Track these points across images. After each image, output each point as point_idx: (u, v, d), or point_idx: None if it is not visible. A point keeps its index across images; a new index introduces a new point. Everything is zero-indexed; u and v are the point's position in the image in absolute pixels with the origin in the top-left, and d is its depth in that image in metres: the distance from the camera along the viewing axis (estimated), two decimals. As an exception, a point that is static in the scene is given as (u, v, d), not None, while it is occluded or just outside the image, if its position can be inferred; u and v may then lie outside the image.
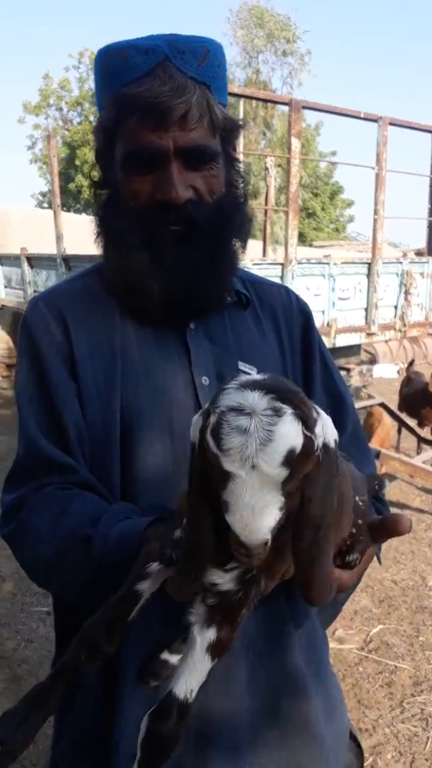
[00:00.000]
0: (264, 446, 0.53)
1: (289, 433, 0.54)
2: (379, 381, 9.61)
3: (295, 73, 24.68)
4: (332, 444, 0.60)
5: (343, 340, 5.56)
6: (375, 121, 5.33)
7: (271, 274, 4.89)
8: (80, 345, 0.99)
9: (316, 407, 0.60)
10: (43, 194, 27.97)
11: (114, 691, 0.92)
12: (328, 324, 5.36)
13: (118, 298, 1.02)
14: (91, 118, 27.20)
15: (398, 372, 10.53)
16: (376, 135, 5.39)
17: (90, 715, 0.96)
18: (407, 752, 2.44)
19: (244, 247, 1.06)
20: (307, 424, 0.56)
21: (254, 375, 0.61)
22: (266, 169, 7.45)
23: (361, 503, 0.78)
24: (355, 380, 6.18)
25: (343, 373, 6.10)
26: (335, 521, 0.70)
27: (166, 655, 0.84)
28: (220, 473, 0.55)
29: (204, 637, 0.65)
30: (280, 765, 0.95)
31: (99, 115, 1.02)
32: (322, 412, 0.61)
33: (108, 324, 1.01)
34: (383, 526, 0.84)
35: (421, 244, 8.03)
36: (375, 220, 5.62)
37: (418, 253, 7.51)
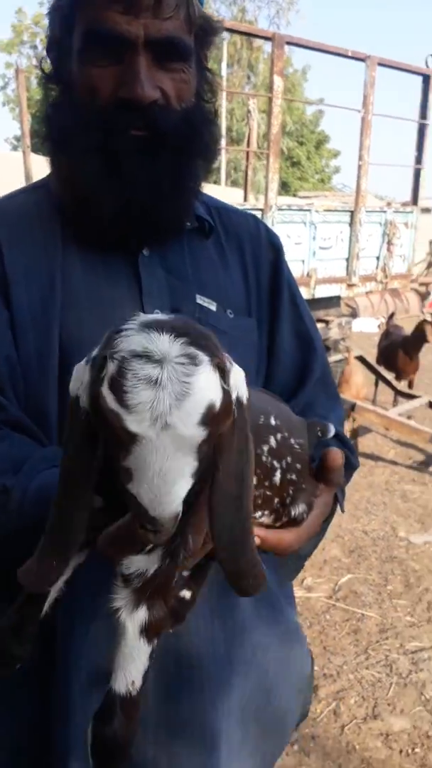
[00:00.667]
0: (180, 401, 0.44)
1: (208, 385, 0.45)
2: (359, 335, 9.56)
3: (282, 12, 23.74)
4: (245, 400, 0.50)
5: (322, 291, 5.46)
6: (363, 60, 5.10)
7: (251, 220, 4.74)
8: (15, 267, 0.87)
9: (227, 354, 0.50)
10: (18, 138, 26.96)
11: (54, 690, 0.83)
12: (308, 274, 5.24)
13: (65, 214, 0.90)
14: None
15: (378, 326, 10.48)
16: (363, 76, 5.17)
17: (28, 721, 0.87)
18: (370, 697, 2.48)
19: (209, 169, 0.96)
20: (224, 375, 0.47)
21: (159, 315, 0.51)
22: (249, 112, 7.16)
23: (297, 446, 0.69)
24: (334, 333, 6.09)
25: (321, 325, 6.02)
26: (264, 475, 0.63)
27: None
28: (122, 435, 0.45)
29: (134, 620, 0.57)
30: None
31: None
32: (231, 360, 0.51)
33: (49, 245, 0.89)
34: (320, 464, 0.77)
35: (408, 197, 7.88)
36: (359, 167, 5.45)
37: (404, 204, 7.35)
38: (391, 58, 5.47)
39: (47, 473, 0.75)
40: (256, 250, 1.04)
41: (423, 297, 13.38)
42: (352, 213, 5.55)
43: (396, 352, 6.18)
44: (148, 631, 0.57)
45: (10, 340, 0.86)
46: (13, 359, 0.85)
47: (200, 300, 0.94)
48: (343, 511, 0.94)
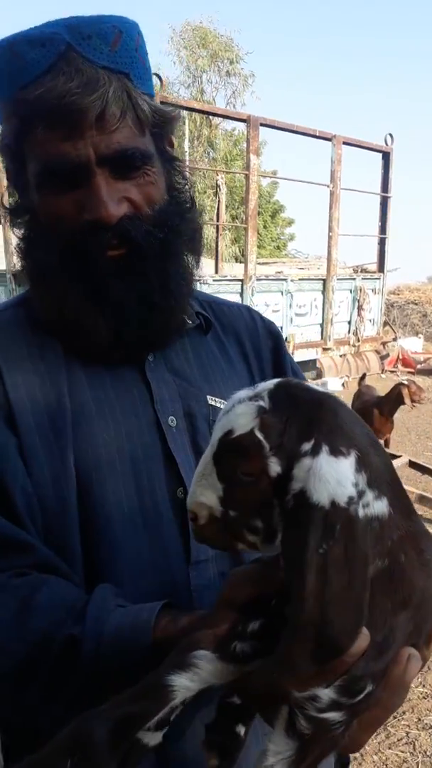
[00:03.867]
0: (219, 421, 0.52)
1: (239, 415, 0.48)
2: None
3: (238, 93, 25.09)
4: (325, 502, 0.44)
5: (300, 356, 5.59)
6: (329, 139, 5.41)
7: (231, 290, 4.86)
8: (17, 390, 0.80)
9: (343, 449, 0.46)
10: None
11: None
12: (286, 340, 5.36)
13: (58, 337, 0.84)
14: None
15: (343, 385, 10.70)
16: (330, 153, 5.46)
17: None
18: (398, 780, 2.38)
19: (197, 260, 0.91)
20: (268, 429, 0.47)
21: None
22: (218, 186, 7.45)
23: None
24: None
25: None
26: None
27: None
28: None
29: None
30: None
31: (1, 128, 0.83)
32: (341, 459, 0.45)
33: (50, 363, 0.83)
34: None
35: (361, 261, 8.22)
36: (330, 237, 5.69)
37: (363, 270, 7.67)
38: (351, 137, 5.82)
39: (119, 615, 0.66)
40: (255, 340, 1.01)
41: (382, 356, 13.80)
42: (325, 281, 5.75)
43: (371, 412, 6.28)
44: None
45: (23, 471, 0.77)
46: (28, 491, 0.77)
47: (212, 401, 0.89)
48: None
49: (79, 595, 0.70)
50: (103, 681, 0.63)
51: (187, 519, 0.72)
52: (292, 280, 5.45)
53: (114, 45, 0.77)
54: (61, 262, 0.79)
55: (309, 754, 0.47)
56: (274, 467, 0.47)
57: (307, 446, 0.46)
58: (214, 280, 4.81)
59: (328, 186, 5.50)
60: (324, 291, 5.74)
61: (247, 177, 4.83)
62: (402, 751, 2.53)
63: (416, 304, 19.12)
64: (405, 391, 5.75)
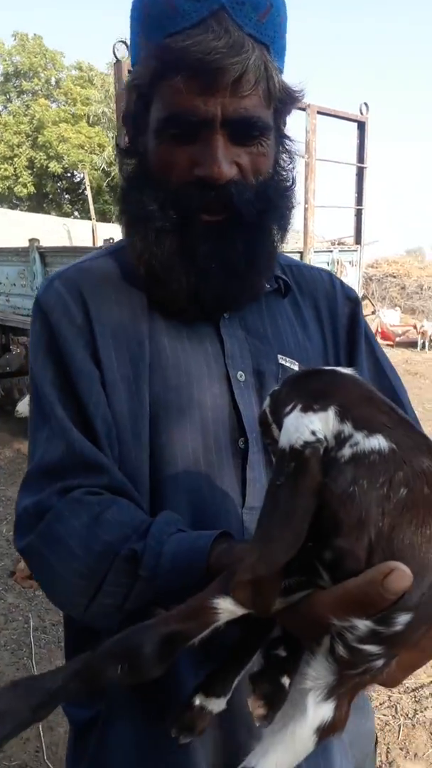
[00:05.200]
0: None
1: (266, 398, 0.62)
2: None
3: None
4: (285, 446, 0.51)
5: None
6: (303, 109, 5.33)
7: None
8: (103, 328, 0.87)
9: (317, 406, 0.52)
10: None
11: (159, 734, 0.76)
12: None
13: (143, 287, 0.91)
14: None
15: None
16: (305, 123, 5.39)
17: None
18: (381, 742, 2.42)
19: (284, 237, 0.94)
20: (274, 406, 0.58)
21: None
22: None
23: None
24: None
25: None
26: None
27: (201, 700, 0.65)
28: None
29: (319, 712, 0.48)
30: None
31: (133, 68, 0.86)
32: (310, 413, 0.52)
33: (135, 308, 0.90)
34: None
35: (339, 234, 8.17)
36: (306, 209, 5.64)
37: (340, 243, 7.63)
38: (328, 107, 5.74)
39: (178, 539, 0.71)
40: (332, 306, 1.05)
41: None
42: (302, 254, 5.71)
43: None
44: (323, 731, 0.49)
45: (104, 402, 0.84)
46: (109, 420, 0.84)
47: (282, 360, 0.94)
48: None
49: (145, 517, 0.77)
50: (159, 599, 0.68)
51: (245, 466, 0.86)
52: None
53: (263, 16, 0.79)
54: (159, 213, 0.83)
55: (345, 682, 0.49)
56: (276, 433, 0.56)
57: (287, 409, 0.53)
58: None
59: (303, 157, 5.43)
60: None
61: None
62: (384, 715, 2.59)
63: (395, 277, 19.18)
64: None
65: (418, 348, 13.21)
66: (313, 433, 0.50)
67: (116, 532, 0.74)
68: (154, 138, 0.84)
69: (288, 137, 0.92)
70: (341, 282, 1.09)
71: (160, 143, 0.83)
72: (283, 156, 0.91)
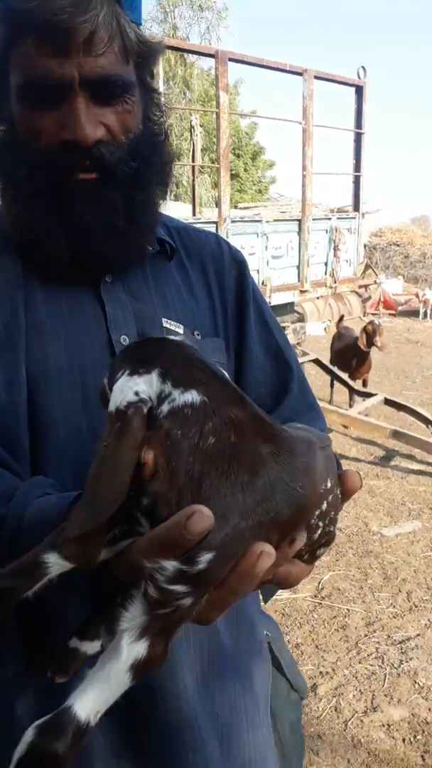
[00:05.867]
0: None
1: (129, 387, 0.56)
2: (308, 339, 9.77)
3: (212, 28, 24.11)
4: (112, 408, 0.54)
5: (277, 299, 5.59)
6: (300, 74, 5.27)
7: (205, 233, 4.82)
8: None
9: (142, 370, 0.55)
10: None
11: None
12: (263, 283, 5.35)
13: (19, 251, 0.88)
14: None
15: (325, 329, 10.75)
16: (302, 89, 5.34)
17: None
18: (367, 690, 2.54)
19: (165, 192, 0.94)
20: (108, 377, 0.57)
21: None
22: (192, 127, 7.26)
23: (339, 495, 0.68)
24: (290, 338, 6.24)
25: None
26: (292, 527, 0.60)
27: (75, 643, 0.67)
28: None
29: (133, 651, 0.51)
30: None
31: None
32: (135, 377, 0.54)
33: (7, 277, 0.87)
34: (342, 490, 0.73)
35: (340, 203, 8.12)
36: (303, 176, 5.62)
37: (339, 211, 7.59)
38: (324, 70, 5.67)
39: (41, 501, 0.71)
40: (220, 268, 1.04)
41: (363, 300, 13.82)
42: (300, 222, 5.71)
43: (350, 353, 6.36)
44: (138, 668, 0.51)
45: None
46: None
47: (167, 323, 0.93)
48: None
49: (18, 484, 0.76)
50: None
51: None
52: (267, 222, 5.40)
53: None
54: (31, 176, 0.82)
55: (157, 621, 0.52)
56: None
57: (117, 376, 0.55)
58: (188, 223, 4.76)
59: (300, 123, 5.39)
60: (299, 232, 5.70)
61: (217, 115, 4.72)
62: (371, 665, 2.70)
63: (398, 245, 19.02)
64: (362, 338, 5.80)
65: (420, 317, 13.20)
66: (137, 393, 0.53)
67: None
68: (17, 104, 0.82)
69: (156, 90, 0.91)
70: (228, 244, 1.08)
71: (24, 109, 0.81)
72: (153, 110, 0.90)
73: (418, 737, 2.28)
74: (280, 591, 3.32)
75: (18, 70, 0.80)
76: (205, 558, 0.50)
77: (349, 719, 2.38)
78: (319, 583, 3.38)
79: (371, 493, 4.55)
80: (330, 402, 6.24)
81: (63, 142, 0.81)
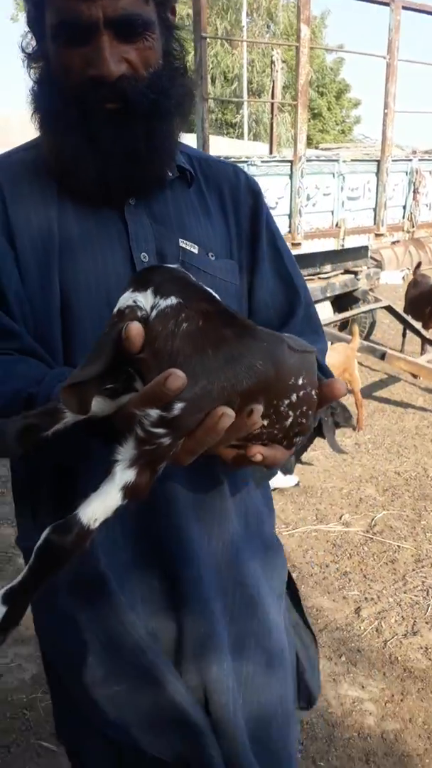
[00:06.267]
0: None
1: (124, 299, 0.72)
2: (384, 287, 9.55)
3: None
4: (114, 311, 0.70)
5: (351, 242, 5.50)
6: (387, 4, 5.02)
7: (280, 172, 4.78)
8: (18, 216, 0.98)
9: (140, 287, 0.70)
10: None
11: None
12: (336, 225, 5.29)
13: (55, 177, 0.99)
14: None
15: (403, 278, 10.45)
16: (388, 20, 5.10)
17: None
18: (409, 617, 2.66)
19: (184, 122, 1.02)
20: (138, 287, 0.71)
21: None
22: (272, 63, 7.07)
23: (313, 395, 0.80)
24: (362, 283, 6.16)
25: (350, 276, 6.07)
26: (277, 420, 0.76)
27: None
28: None
29: (124, 475, 0.67)
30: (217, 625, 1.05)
31: None
32: (136, 293, 0.70)
33: (46, 198, 0.99)
34: (322, 394, 0.84)
35: (428, 146, 7.76)
36: (385, 114, 5.41)
37: (426, 153, 7.27)
38: (416, 1, 5.37)
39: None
40: (236, 196, 1.11)
41: (447, 248, 13.24)
42: (379, 162, 5.54)
43: (423, 301, 6.23)
44: (128, 489, 0.67)
45: (17, 279, 0.96)
46: (21, 296, 0.96)
47: (183, 244, 1.02)
48: (339, 451, 1.04)
49: (47, 371, 0.89)
50: None
51: None
52: (344, 162, 5.28)
53: None
54: (63, 109, 0.93)
55: (143, 455, 0.67)
56: None
57: (123, 294, 0.71)
58: (262, 162, 4.73)
59: (384, 57, 5.18)
60: (378, 173, 5.53)
61: (297, 49, 4.60)
62: (416, 596, 2.81)
63: None
64: None
65: None
66: (135, 301, 0.69)
67: (21, 383, 0.87)
68: (51, 43, 0.92)
69: (177, 27, 1.00)
70: (245, 174, 1.15)
71: (57, 47, 0.91)
72: (174, 46, 0.99)
73: (455, 661, 2.40)
74: (333, 523, 3.46)
75: (52, 12, 0.90)
76: (179, 407, 0.65)
77: (389, 640, 2.52)
78: (372, 519, 3.48)
79: (434, 441, 4.57)
80: (401, 351, 6.17)
81: (90, 77, 0.90)
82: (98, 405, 0.71)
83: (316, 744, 2.04)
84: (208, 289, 0.74)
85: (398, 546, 3.22)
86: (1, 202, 0.98)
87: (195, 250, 1.03)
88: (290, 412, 0.76)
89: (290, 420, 0.77)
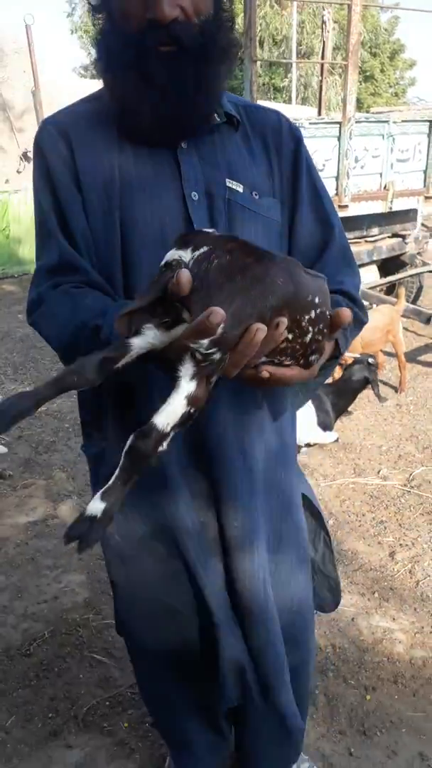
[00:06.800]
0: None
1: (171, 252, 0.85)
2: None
3: None
4: (162, 262, 0.84)
5: (399, 204, 5.48)
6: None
7: (328, 134, 4.79)
8: (84, 161, 1.10)
9: (183, 246, 0.83)
10: (85, 68, 26.39)
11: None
12: (385, 187, 5.27)
13: (116, 120, 1.10)
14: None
15: (455, 246, 10.25)
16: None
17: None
18: (442, 561, 2.78)
19: (229, 70, 1.12)
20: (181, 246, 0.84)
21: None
22: (324, 22, 6.96)
23: (329, 315, 0.92)
24: (410, 247, 6.12)
25: (398, 240, 6.04)
26: (299, 335, 0.88)
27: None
28: None
29: (187, 386, 0.80)
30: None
31: None
32: (179, 250, 0.83)
33: (108, 143, 1.10)
34: (332, 321, 0.95)
35: None
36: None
37: None
38: None
39: None
40: (278, 141, 1.20)
41: None
42: (431, 123, 5.47)
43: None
44: (190, 398, 0.80)
45: (83, 220, 1.10)
46: (87, 235, 1.10)
47: (229, 183, 1.13)
48: (342, 353, 1.15)
49: (111, 303, 1.03)
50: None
51: None
52: (394, 122, 5.23)
53: None
54: (122, 50, 1.03)
55: (201, 370, 0.80)
56: None
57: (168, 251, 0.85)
58: (310, 123, 4.74)
59: (440, 13, 5.07)
60: (429, 134, 5.47)
61: (348, 7, 4.56)
62: (450, 543, 2.88)
63: None
64: None
65: None
66: (179, 257, 0.82)
67: (88, 314, 1.01)
68: None
69: None
70: (288, 120, 1.25)
71: None
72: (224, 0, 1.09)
73: None
74: (371, 477, 3.57)
75: None
76: (221, 328, 0.77)
77: (421, 580, 2.64)
78: (411, 474, 3.57)
79: None
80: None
81: (147, 21, 1.00)
82: (157, 337, 0.84)
83: (347, 665, 2.19)
84: (233, 234, 0.89)
85: (435, 499, 3.31)
86: (69, 150, 1.10)
87: (240, 189, 1.13)
88: (310, 328, 0.89)
89: (309, 336, 0.90)
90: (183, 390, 0.80)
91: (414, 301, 6.48)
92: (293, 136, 1.23)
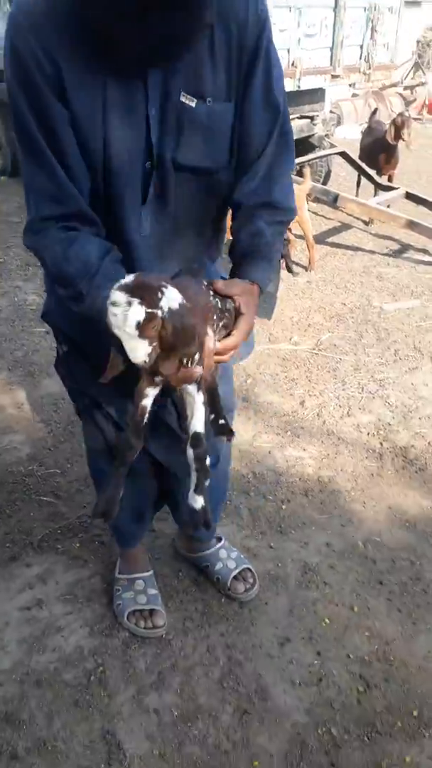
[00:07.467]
0: (124, 321, 0.97)
1: (136, 313, 0.96)
2: (343, 141, 9.51)
3: None
4: (175, 305, 1.00)
5: (307, 83, 5.51)
6: None
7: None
8: (70, 75, 1.08)
9: (166, 287, 1.00)
10: None
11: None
12: (293, 64, 5.28)
13: (98, 45, 1.05)
14: None
15: (361, 132, 10.37)
16: None
17: None
18: (345, 405, 3.16)
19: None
20: (151, 304, 0.97)
21: (126, 278, 1.00)
22: None
23: (228, 307, 1.25)
24: (318, 128, 6.22)
25: (306, 121, 6.12)
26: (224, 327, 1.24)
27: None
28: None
29: (199, 397, 1.18)
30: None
31: None
32: (169, 289, 1.00)
33: (89, 65, 1.08)
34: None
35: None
36: None
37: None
38: None
39: (109, 285, 1.02)
40: (243, 36, 1.17)
41: (408, 102, 12.94)
42: (337, -4, 5.43)
43: (377, 148, 6.35)
44: (204, 401, 1.20)
45: (71, 136, 1.12)
46: (76, 153, 1.14)
47: (183, 98, 1.15)
48: (265, 286, 1.35)
49: (99, 253, 1.15)
50: (93, 320, 1.11)
51: (147, 184, 1.22)
52: (300, -6, 5.17)
53: None
54: None
55: (199, 384, 1.19)
56: None
57: (159, 295, 1.02)
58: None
59: None
60: (336, 8, 5.45)
61: None
62: (352, 392, 3.27)
63: (453, 40, 17.18)
64: (391, 130, 5.72)
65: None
66: (123, 311, 0.98)
67: (75, 269, 1.14)
68: None
69: None
70: (256, 4, 1.18)
71: None
72: None
73: (380, 432, 2.92)
74: (283, 343, 3.88)
75: None
76: (197, 357, 1.11)
77: (327, 420, 3.02)
78: (318, 340, 3.91)
79: (379, 278, 4.94)
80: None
81: None
82: (155, 391, 1.16)
83: (266, 485, 2.56)
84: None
85: (340, 359, 3.68)
86: (53, 63, 1.06)
87: (193, 104, 1.16)
88: (226, 313, 1.25)
89: (227, 313, 1.25)
90: (198, 401, 1.17)
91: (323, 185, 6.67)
92: (258, 22, 1.19)
